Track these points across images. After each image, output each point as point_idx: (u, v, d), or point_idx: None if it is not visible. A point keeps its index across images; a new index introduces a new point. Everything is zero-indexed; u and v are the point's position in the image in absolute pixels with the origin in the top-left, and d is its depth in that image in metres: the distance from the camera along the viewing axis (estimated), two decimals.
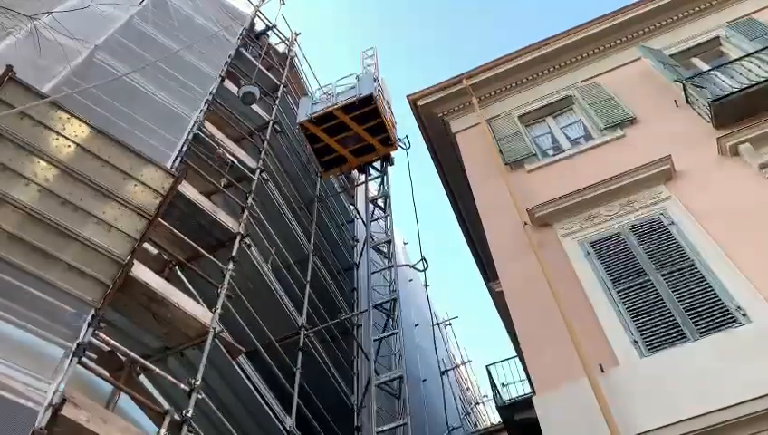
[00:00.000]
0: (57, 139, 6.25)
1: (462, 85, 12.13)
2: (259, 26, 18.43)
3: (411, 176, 17.64)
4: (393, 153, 16.30)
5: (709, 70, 10.00)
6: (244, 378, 8.38)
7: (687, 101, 9.47)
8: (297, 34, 19.46)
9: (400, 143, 16.40)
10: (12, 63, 6.26)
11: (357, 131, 15.02)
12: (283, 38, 18.99)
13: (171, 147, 9.85)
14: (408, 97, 12.62)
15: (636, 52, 11.21)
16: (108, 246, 6.11)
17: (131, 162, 6.54)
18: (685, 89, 9.47)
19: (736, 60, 9.67)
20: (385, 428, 10.90)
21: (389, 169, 16.58)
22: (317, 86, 16.61)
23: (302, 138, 15.87)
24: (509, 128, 11.15)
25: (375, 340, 12.54)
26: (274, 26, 18.69)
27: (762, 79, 8.69)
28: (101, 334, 6.12)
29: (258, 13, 18.42)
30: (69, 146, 6.30)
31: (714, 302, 6.77)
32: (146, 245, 7.10)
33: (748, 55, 9.52)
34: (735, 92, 8.70)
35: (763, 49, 9.48)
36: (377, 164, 16.67)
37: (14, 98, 6.10)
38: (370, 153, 15.67)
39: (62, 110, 6.40)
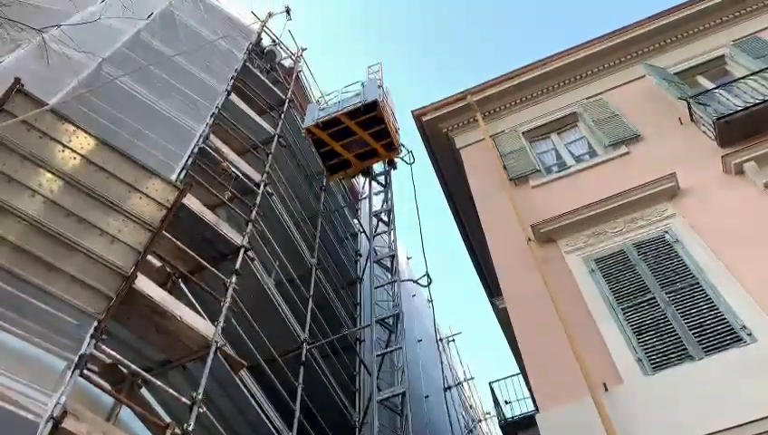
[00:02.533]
0: (63, 150, 6.29)
1: (467, 101, 12.17)
2: (266, 41, 18.58)
3: (415, 190, 17.89)
4: (396, 158, 16.73)
5: (714, 88, 10.02)
6: (246, 392, 8.34)
7: (692, 119, 9.48)
8: (303, 50, 19.62)
9: (405, 157, 16.68)
10: (20, 76, 6.31)
11: (361, 136, 15.42)
12: (289, 53, 19.13)
13: (176, 160, 9.88)
14: (412, 112, 12.67)
15: (640, 69, 11.24)
16: (111, 258, 6.12)
17: (136, 174, 6.56)
18: (689, 107, 9.48)
19: (741, 78, 9.69)
20: None
21: (394, 185, 16.72)
22: (326, 93, 16.91)
23: (307, 152, 16.01)
24: (513, 144, 11.16)
25: (377, 355, 12.47)
26: (281, 42, 18.85)
27: (766, 97, 8.70)
28: (104, 347, 6.10)
29: (265, 28, 18.58)
30: (74, 158, 6.32)
31: (719, 320, 6.73)
32: (149, 257, 7.10)
33: (753, 74, 9.54)
34: (740, 111, 8.70)
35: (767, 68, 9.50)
36: (381, 179, 16.83)
37: (22, 110, 6.14)
38: (374, 157, 16.15)
39: (68, 122, 6.44)
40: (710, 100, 9.54)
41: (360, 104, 14.84)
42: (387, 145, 15.78)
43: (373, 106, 14.85)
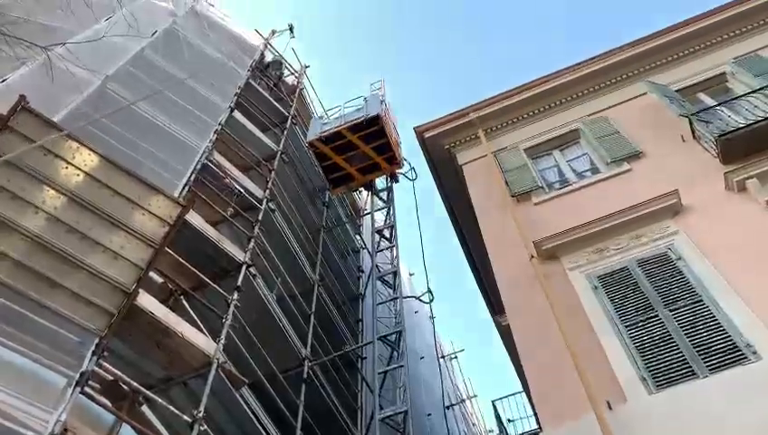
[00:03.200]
0: (67, 167, 6.32)
1: (469, 118, 12.21)
2: (269, 58, 18.71)
3: (417, 207, 17.92)
4: (398, 172, 16.89)
5: (715, 105, 10.05)
6: (247, 409, 8.30)
7: (694, 136, 9.50)
8: (306, 67, 19.76)
9: (407, 174, 16.75)
10: (25, 93, 6.37)
11: (364, 150, 15.58)
12: (292, 70, 19.25)
13: (179, 176, 9.92)
14: (415, 129, 12.71)
15: (642, 86, 11.28)
16: (114, 274, 6.12)
17: (139, 191, 6.59)
18: (691, 124, 9.49)
19: (742, 95, 9.71)
20: None
21: (396, 200, 16.75)
22: (328, 108, 17.11)
23: (310, 168, 16.08)
24: (516, 160, 11.17)
25: (379, 373, 12.40)
26: (284, 60, 18.98)
27: None
28: (105, 363, 6.08)
29: (268, 45, 18.71)
30: (78, 175, 6.36)
31: (723, 338, 6.69)
32: (151, 273, 7.10)
33: (754, 91, 9.56)
34: (742, 128, 8.71)
35: None
36: (383, 195, 16.85)
37: (26, 127, 6.19)
38: (377, 171, 16.29)
39: (72, 139, 6.48)
40: (712, 117, 9.55)
41: (362, 118, 15.02)
42: (389, 159, 15.95)
43: (375, 120, 15.04)
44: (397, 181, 16.93)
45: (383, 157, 15.85)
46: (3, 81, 8.76)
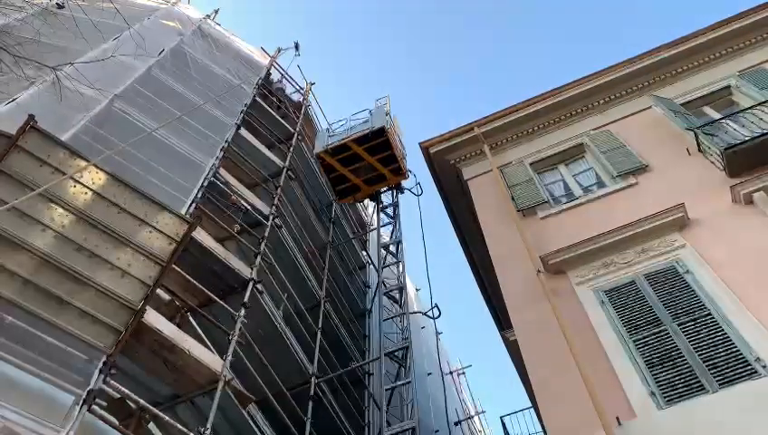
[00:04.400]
0: (75, 186, 6.36)
1: (474, 133, 12.23)
2: (275, 76, 18.87)
3: (422, 222, 18.11)
4: (404, 186, 17.23)
5: (721, 118, 10.04)
6: (254, 427, 8.25)
7: (700, 150, 9.49)
8: (312, 84, 19.90)
9: (413, 189, 16.92)
10: (33, 112, 6.44)
11: (369, 162, 15.94)
12: (298, 87, 19.39)
13: (186, 193, 9.97)
14: (420, 144, 12.75)
15: (647, 100, 11.29)
16: (121, 292, 6.15)
17: (147, 209, 6.62)
18: (697, 137, 9.49)
19: (748, 109, 9.70)
20: None
21: (402, 216, 16.88)
22: (333, 122, 17.36)
23: (316, 184, 16.18)
24: (521, 175, 11.18)
25: (387, 389, 12.34)
26: (290, 77, 19.15)
27: None
28: (112, 381, 6.08)
29: (274, 63, 18.86)
30: (86, 193, 6.40)
31: (732, 353, 6.63)
32: (158, 290, 7.12)
33: (759, 104, 9.55)
34: (748, 141, 8.70)
35: None
36: (389, 211, 16.93)
37: (35, 146, 6.24)
38: (382, 182, 16.66)
39: (80, 157, 6.53)
40: (717, 130, 9.55)
41: (368, 131, 15.40)
42: (394, 170, 16.31)
43: (381, 132, 15.39)
44: (402, 192, 17.20)
45: (389, 168, 16.21)
46: (12, 100, 8.87)
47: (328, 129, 16.88)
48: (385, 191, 17.17)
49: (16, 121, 6.62)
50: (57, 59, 9.04)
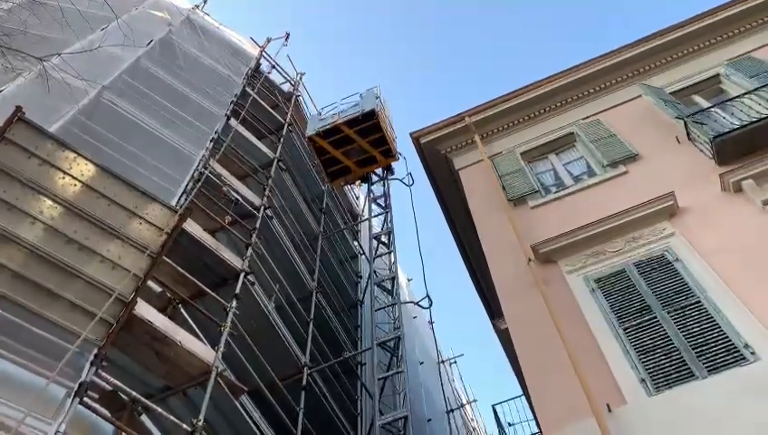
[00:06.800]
0: (63, 178, 6.32)
1: (464, 123, 12.23)
2: (265, 66, 18.76)
3: (414, 212, 18.11)
4: (395, 174, 17.46)
5: (710, 107, 10.09)
6: (247, 418, 8.28)
7: (689, 138, 9.53)
8: (302, 74, 19.81)
9: (404, 179, 16.95)
10: (21, 104, 6.37)
11: (360, 144, 16.17)
12: (288, 78, 19.30)
13: (176, 185, 9.93)
14: (411, 134, 12.73)
15: (636, 89, 11.32)
16: (112, 284, 6.12)
17: (136, 200, 6.59)
18: (686, 126, 9.53)
19: (737, 97, 9.74)
20: None
21: (394, 206, 16.89)
22: (323, 106, 17.43)
23: (307, 175, 16.18)
24: (512, 164, 11.20)
25: (379, 379, 12.38)
26: (280, 67, 19.04)
27: (762, 116, 8.74)
28: (103, 373, 6.07)
29: (264, 53, 18.75)
30: (75, 185, 6.36)
31: (721, 339, 6.69)
32: (149, 282, 7.10)
33: (748, 93, 9.59)
34: (737, 129, 8.74)
35: (762, 86, 9.56)
36: (381, 201, 16.95)
37: (22, 138, 6.19)
38: (373, 164, 16.88)
39: (68, 149, 6.48)
40: (706, 118, 9.58)
41: (358, 114, 15.60)
42: (385, 152, 16.53)
43: (371, 115, 15.60)
44: (392, 173, 17.38)
45: (379, 150, 16.41)
46: None
47: (319, 112, 17.02)
48: (377, 181, 17.25)
49: (3, 113, 6.56)
50: (44, 50, 8.94)
